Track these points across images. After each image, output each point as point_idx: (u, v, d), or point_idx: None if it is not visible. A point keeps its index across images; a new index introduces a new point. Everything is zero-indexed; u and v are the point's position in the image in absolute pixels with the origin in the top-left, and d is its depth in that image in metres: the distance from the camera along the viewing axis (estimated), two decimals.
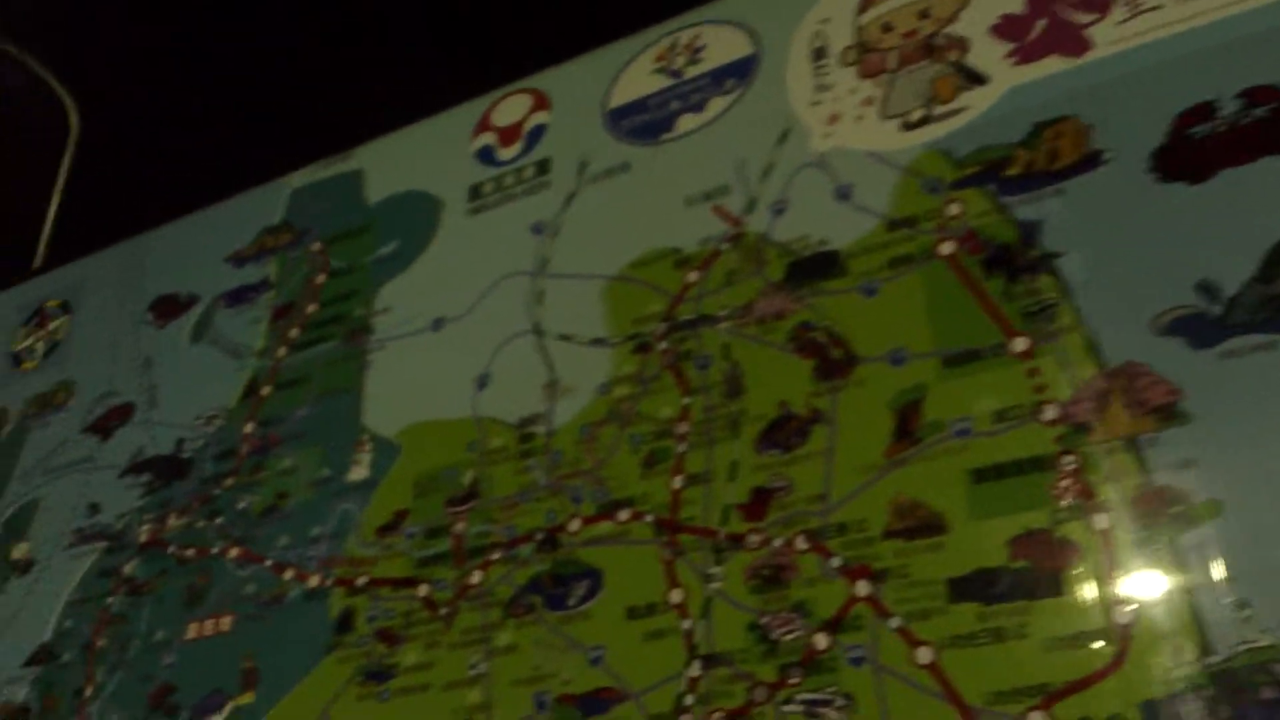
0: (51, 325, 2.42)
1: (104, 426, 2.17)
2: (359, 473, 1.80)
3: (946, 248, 1.43)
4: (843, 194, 1.54)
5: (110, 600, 1.94)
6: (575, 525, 1.54)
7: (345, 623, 1.67)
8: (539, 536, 1.57)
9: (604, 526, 1.52)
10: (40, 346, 2.41)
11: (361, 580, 1.69)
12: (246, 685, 1.71)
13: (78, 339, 2.36)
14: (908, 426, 1.34)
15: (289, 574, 1.77)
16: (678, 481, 1.49)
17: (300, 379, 1.97)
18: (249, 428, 1.97)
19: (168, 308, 2.24)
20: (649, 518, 1.49)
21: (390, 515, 1.72)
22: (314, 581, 1.74)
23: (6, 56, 2.88)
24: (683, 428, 1.52)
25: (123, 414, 2.16)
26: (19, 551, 2.12)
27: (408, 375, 1.85)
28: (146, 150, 2.76)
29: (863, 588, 1.28)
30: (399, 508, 1.72)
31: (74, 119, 2.95)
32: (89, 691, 1.86)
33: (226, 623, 1.78)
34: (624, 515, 1.51)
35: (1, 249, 2.64)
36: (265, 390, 2.00)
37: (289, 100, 2.46)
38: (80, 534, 2.06)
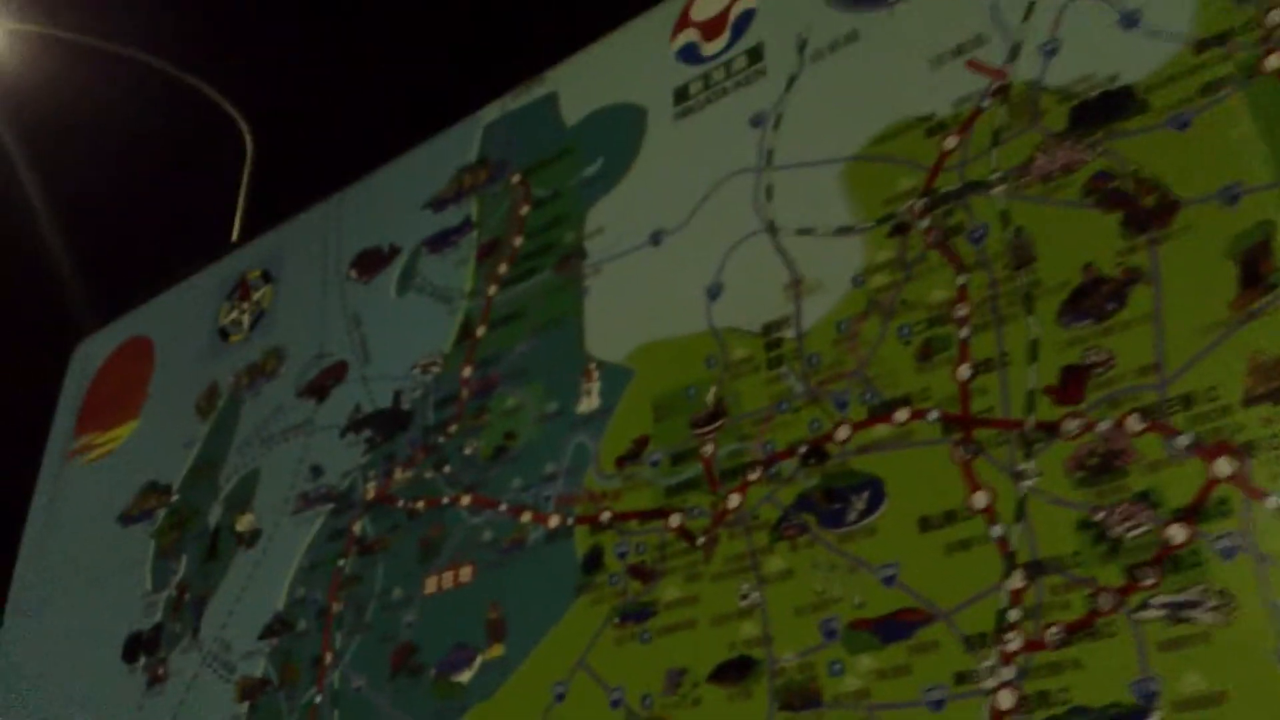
0: (255, 296, 2.37)
1: (319, 388, 2.10)
2: (589, 403, 1.66)
3: (1274, 61, 1.18)
4: (1129, 21, 1.30)
5: (342, 562, 1.86)
6: (844, 433, 1.36)
7: (593, 562, 1.53)
8: (802, 449, 1.39)
9: (879, 430, 1.34)
10: (246, 318, 2.37)
11: (605, 516, 1.55)
12: (494, 637, 1.59)
13: (282, 306, 2.31)
14: (1257, 271, 1.11)
15: (526, 516, 1.64)
16: (964, 371, 1.29)
17: (515, 314, 1.84)
18: (467, 371, 1.86)
19: (371, 262, 2.15)
20: (933, 415, 1.30)
21: (629, 444, 1.58)
22: (554, 522, 1.61)
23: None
24: (962, 310, 1.32)
25: (337, 373, 2.08)
26: (244, 523, 2.07)
27: (630, 295, 1.69)
28: (326, 115, 2.70)
29: (1224, 466, 1.06)
30: (638, 435, 1.57)
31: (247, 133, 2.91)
32: (328, 658, 1.78)
33: (466, 574, 1.68)
34: (902, 416, 1.32)
35: (200, 226, 2.62)
36: (480, 331, 1.88)
37: (471, 35, 2.34)
38: (305, 498, 1.99)
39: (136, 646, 2.13)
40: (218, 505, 2.15)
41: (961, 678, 1.17)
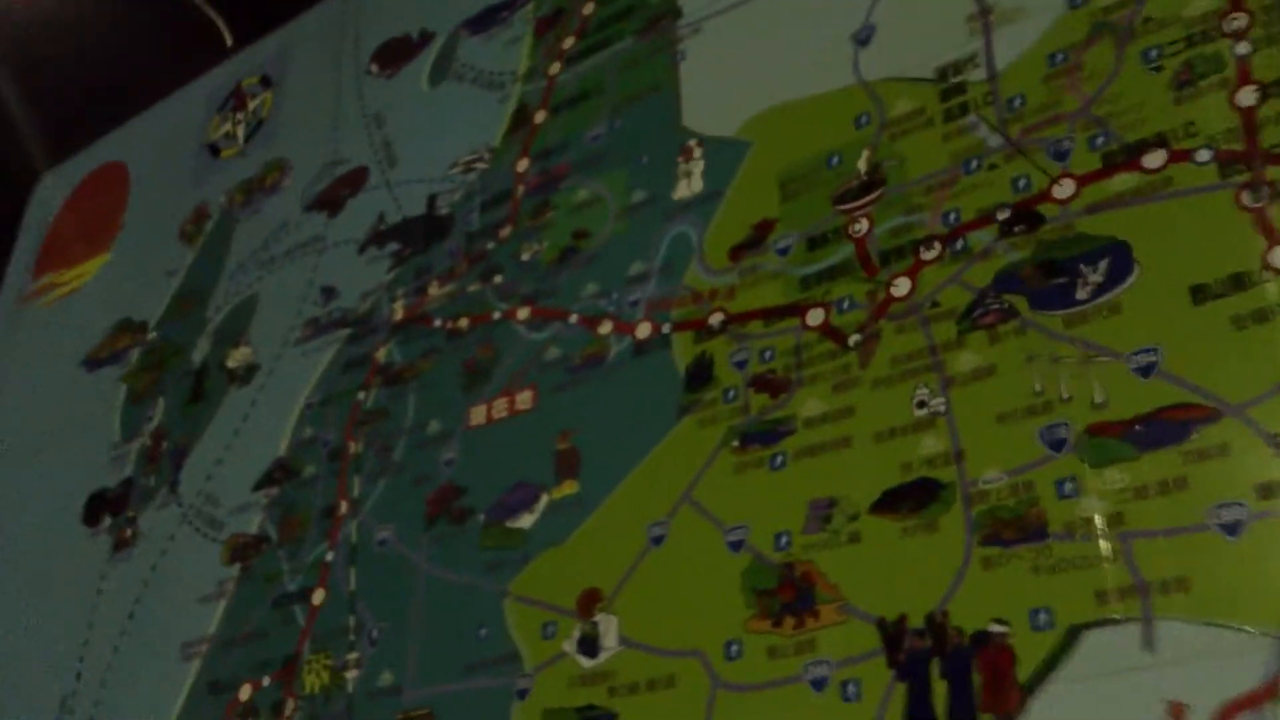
0: (252, 105, 2.00)
1: (332, 199, 1.74)
2: (690, 187, 1.31)
3: None
4: None
5: (362, 395, 1.50)
6: (1066, 189, 1.02)
7: (700, 375, 1.19)
8: (1002, 215, 1.05)
9: (1121, 181, 1.00)
10: (241, 130, 1.99)
11: (716, 319, 1.20)
12: (565, 472, 1.25)
13: (285, 112, 1.94)
14: None
15: (605, 327, 1.30)
16: (1247, 96, 0.95)
17: (586, 94, 1.48)
18: (523, 165, 1.50)
19: (395, 53, 1.78)
20: (1204, 155, 0.96)
21: (747, 230, 1.23)
22: (644, 331, 1.26)
23: None
24: (1237, 21, 0.98)
25: (354, 181, 1.72)
26: (237, 358, 1.71)
27: (742, 56, 1.34)
28: None
29: None
30: (760, 218, 1.23)
31: None
32: (343, 508, 1.43)
33: (525, 399, 1.33)
34: (1154, 159, 0.98)
35: (188, 38, 2.23)
36: (539, 117, 1.52)
37: None
38: (315, 325, 1.63)
39: (100, 506, 1.77)
40: (204, 340, 1.79)
41: (1268, 490, 0.84)
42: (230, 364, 1.72)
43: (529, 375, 1.34)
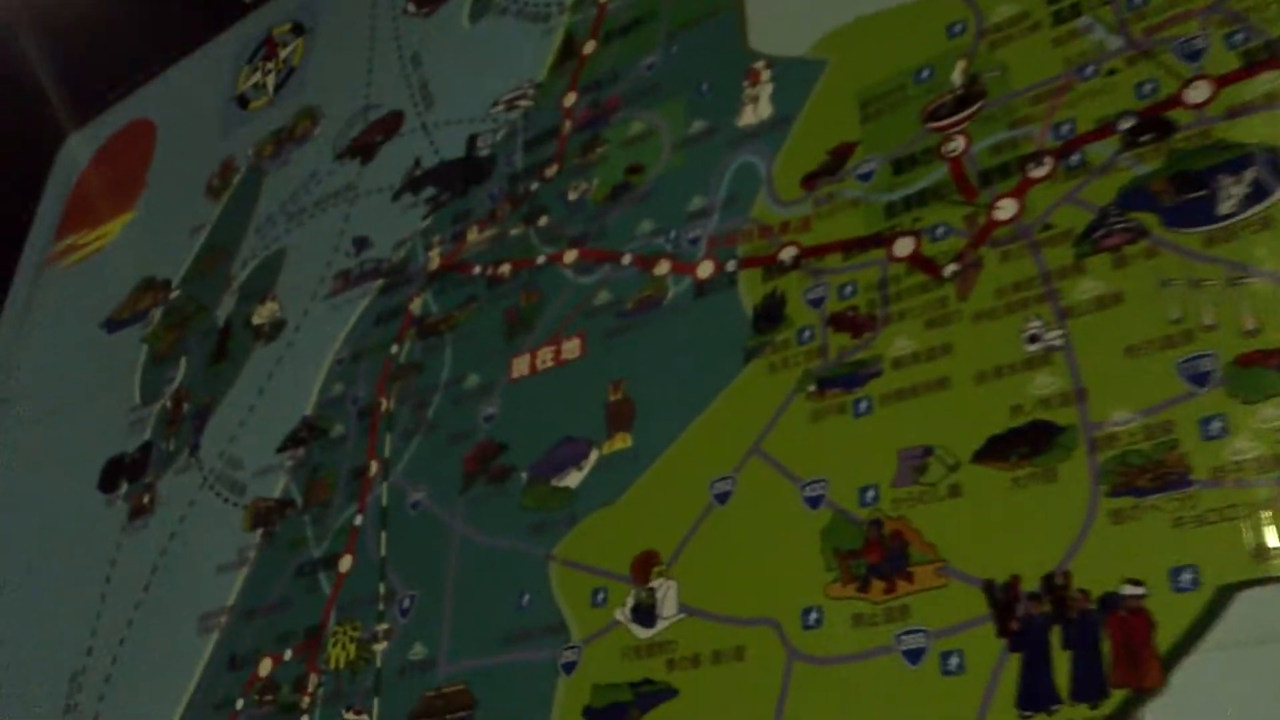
0: (283, 53, 1.89)
1: (365, 146, 1.63)
2: (756, 113, 1.18)
3: None
4: None
5: (396, 348, 1.39)
6: (1201, 92, 0.89)
7: (771, 314, 1.06)
8: (1126, 124, 0.91)
9: (1266, 81, 0.86)
10: (271, 80, 1.89)
11: (788, 253, 1.08)
12: (617, 424, 1.12)
13: (317, 59, 1.83)
14: None
15: (662, 267, 1.17)
16: None
17: (640, 20, 1.36)
18: (570, 99, 1.38)
19: None
20: None
21: (822, 156, 1.10)
22: (705, 270, 1.13)
23: None
24: None
25: (388, 126, 1.61)
26: (263, 314, 1.60)
27: None
28: None
29: None
30: (837, 143, 1.10)
31: None
32: (373, 468, 1.31)
33: (572, 348, 1.20)
34: None
35: None
36: (588, 48, 1.40)
37: None
38: (345, 277, 1.52)
39: (117, 472, 1.67)
40: (229, 297, 1.69)
41: None
42: (256, 320, 1.61)
43: (577, 322, 1.22)
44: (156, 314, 1.79)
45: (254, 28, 2.00)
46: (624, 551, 1.05)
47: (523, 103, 1.44)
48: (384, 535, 1.26)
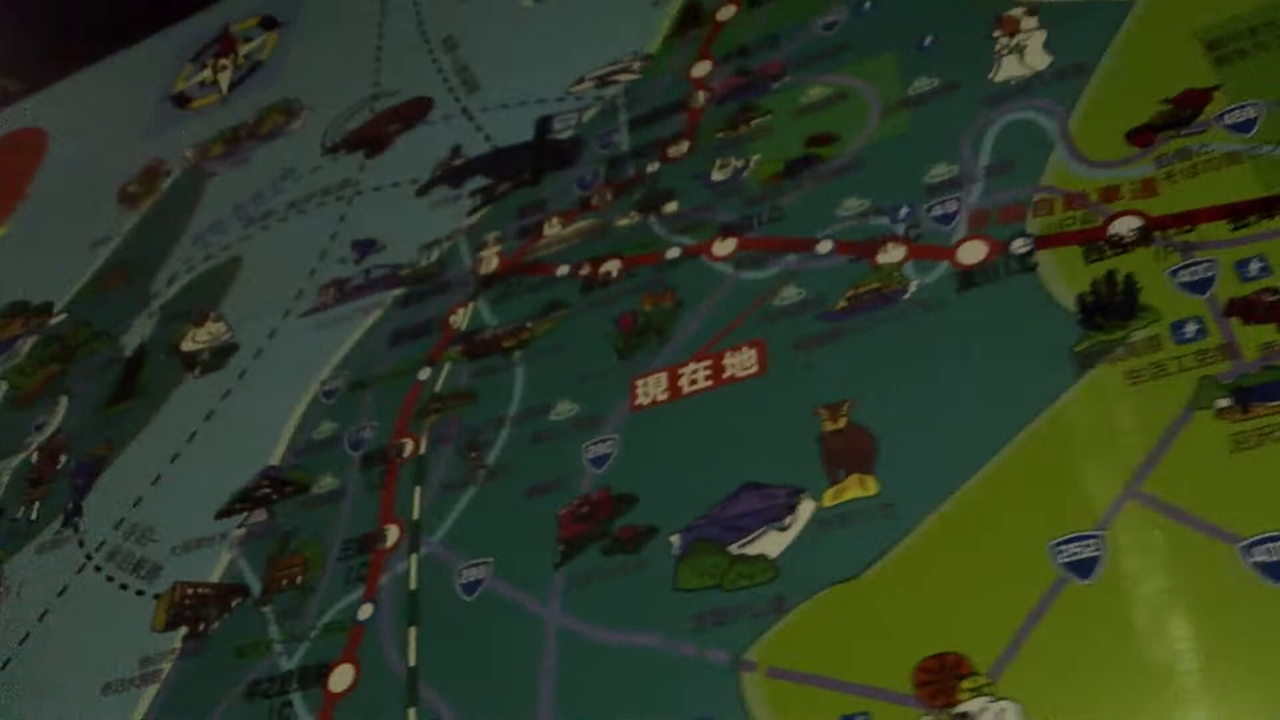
0: (245, 49, 1.50)
1: (373, 137, 1.23)
2: (1024, 64, 0.86)
3: None
4: None
5: (427, 373, 0.96)
6: None
7: (1112, 306, 0.71)
8: None
9: None
10: (225, 77, 1.48)
11: (1126, 225, 0.73)
12: (847, 463, 0.73)
13: (297, 51, 1.44)
14: None
15: (893, 253, 0.81)
16: None
17: None
18: (701, 68, 1.03)
19: None
20: None
21: (1156, 106, 0.78)
22: (971, 254, 0.78)
23: None
24: None
25: (409, 113, 1.22)
26: (200, 338, 1.15)
27: None
28: None
29: None
30: (1182, 89, 0.78)
31: None
32: (393, 536, 0.87)
33: (744, 361, 0.81)
34: None
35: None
36: (724, 13, 1.07)
37: None
38: (340, 289, 1.10)
39: None
40: (145, 319, 1.23)
41: None
42: (188, 346, 1.15)
43: (747, 329, 0.83)
44: (26, 344, 1.30)
45: (197, 28, 1.60)
46: (893, 655, 0.64)
47: (623, 77, 1.08)
48: (413, 633, 0.80)
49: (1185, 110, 0.77)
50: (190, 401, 1.10)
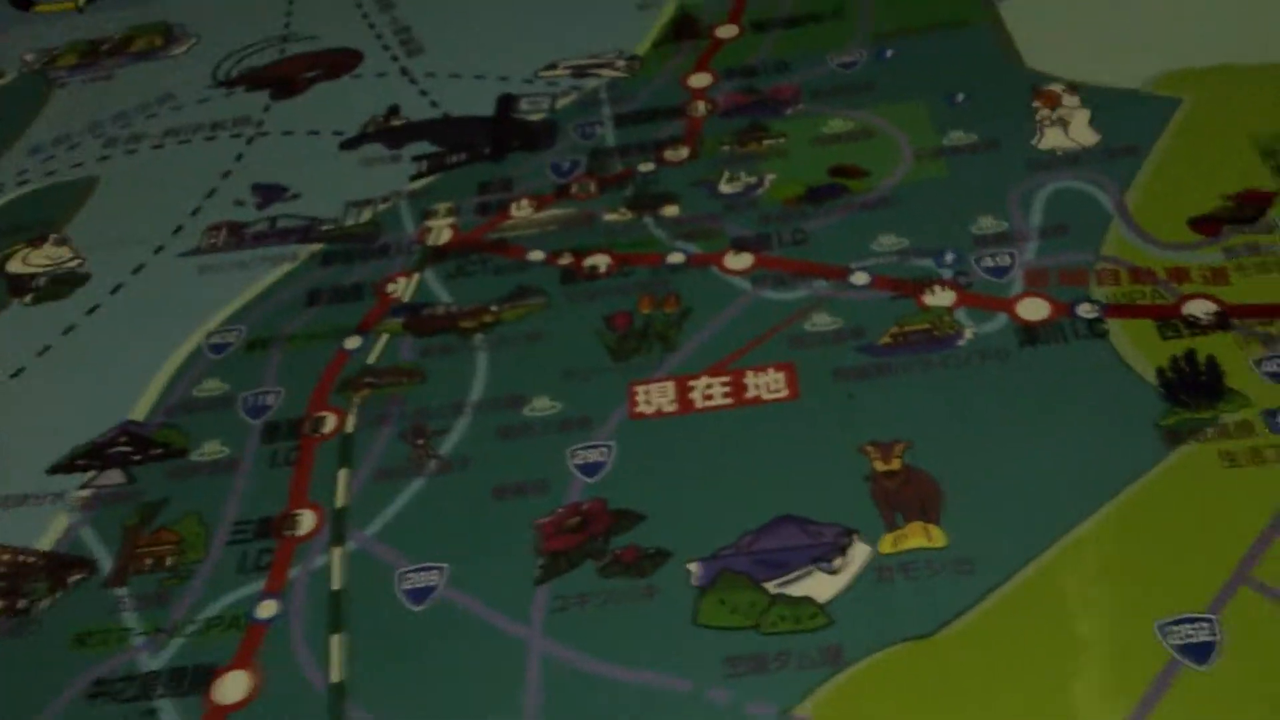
0: None
1: (282, 79, 1.07)
2: (1069, 136, 0.84)
3: None
4: None
5: (356, 340, 0.81)
6: None
7: (1196, 385, 0.67)
8: None
9: None
10: None
11: (1200, 308, 0.71)
12: (907, 509, 0.65)
13: None
14: None
15: (941, 297, 0.75)
16: None
17: (820, 15, 1.00)
18: (699, 79, 0.96)
19: None
20: None
21: (1215, 200, 0.77)
22: (1033, 311, 0.73)
23: None
24: None
25: (334, 64, 1.09)
26: (29, 262, 0.94)
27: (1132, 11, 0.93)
28: None
29: None
30: (1241, 188, 0.77)
31: None
32: (308, 522, 0.71)
33: (771, 384, 0.72)
34: None
35: None
36: (726, 31, 1.00)
37: None
38: (237, 232, 0.92)
39: None
40: None
41: None
42: (17, 269, 0.94)
43: (774, 349, 0.74)
44: None
45: None
46: None
47: (606, 72, 0.99)
48: (336, 641, 0.64)
49: (1248, 209, 0.76)
50: (17, 332, 0.88)
